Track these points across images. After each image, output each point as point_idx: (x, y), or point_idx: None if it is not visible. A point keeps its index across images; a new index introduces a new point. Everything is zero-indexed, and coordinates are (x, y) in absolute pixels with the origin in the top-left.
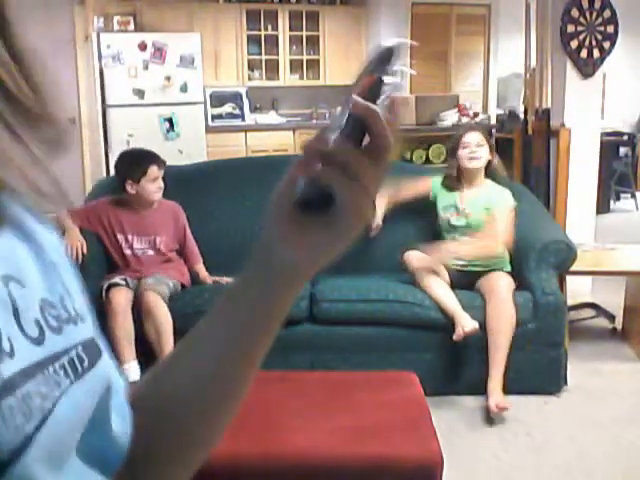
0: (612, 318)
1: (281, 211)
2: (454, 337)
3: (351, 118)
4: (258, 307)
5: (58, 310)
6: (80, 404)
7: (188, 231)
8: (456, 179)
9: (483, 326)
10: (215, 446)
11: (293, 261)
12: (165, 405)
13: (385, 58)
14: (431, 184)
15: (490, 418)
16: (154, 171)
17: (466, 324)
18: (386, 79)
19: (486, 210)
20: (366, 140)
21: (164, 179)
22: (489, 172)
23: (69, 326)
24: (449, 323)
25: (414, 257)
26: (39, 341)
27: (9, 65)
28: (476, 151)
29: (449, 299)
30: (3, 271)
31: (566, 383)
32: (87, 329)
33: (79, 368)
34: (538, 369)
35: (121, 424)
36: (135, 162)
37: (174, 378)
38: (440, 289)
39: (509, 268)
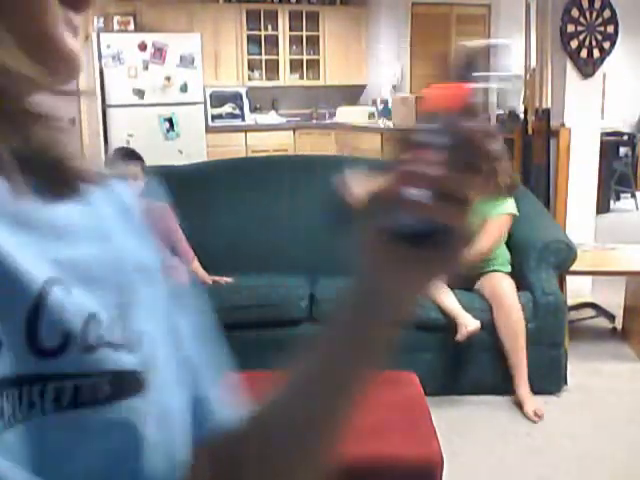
0: (612, 318)
1: (376, 243)
2: (458, 337)
3: (456, 142)
4: (359, 345)
5: (102, 329)
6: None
7: (180, 232)
8: None
9: (486, 326)
10: None
11: (389, 292)
12: (262, 449)
13: (471, 62)
14: None
15: (492, 419)
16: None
17: (469, 323)
18: (480, 85)
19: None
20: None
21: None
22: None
23: (104, 351)
24: (449, 323)
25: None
26: (49, 354)
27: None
28: None
29: (448, 299)
30: (53, 274)
31: (566, 383)
32: (129, 361)
33: (84, 397)
34: (538, 369)
35: (165, 462)
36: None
37: (271, 421)
38: (442, 292)
39: (509, 269)
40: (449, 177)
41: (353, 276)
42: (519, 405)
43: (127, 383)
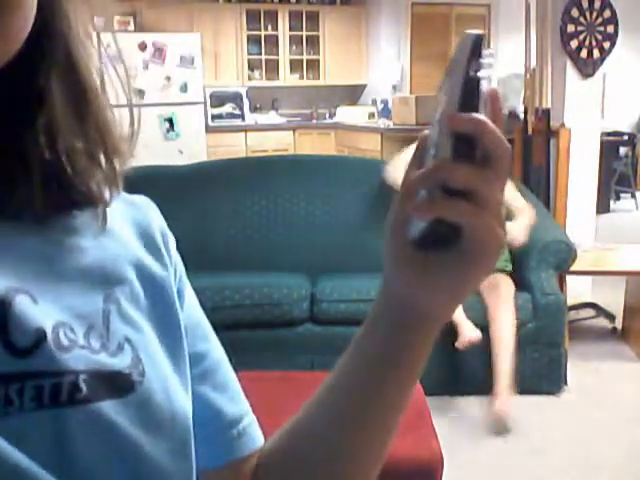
0: (612, 318)
1: (399, 247)
2: (457, 345)
3: (454, 135)
4: (384, 363)
5: (75, 335)
6: (26, 433)
7: None
8: None
9: (486, 326)
10: None
11: (422, 305)
12: (296, 468)
13: (476, 50)
14: None
15: (491, 420)
16: None
17: (469, 333)
18: (482, 74)
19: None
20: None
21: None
22: None
23: (80, 351)
24: (450, 324)
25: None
26: (23, 353)
27: (71, 114)
28: None
29: None
30: (25, 284)
31: (566, 383)
32: (112, 362)
33: (62, 395)
34: (538, 369)
35: (173, 460)
36: None
37: (305, 438)
38: None
39: (510, 268)
40: (459, 176)
41: (384, 291)
42: (518, 405)
43: (109, 384)
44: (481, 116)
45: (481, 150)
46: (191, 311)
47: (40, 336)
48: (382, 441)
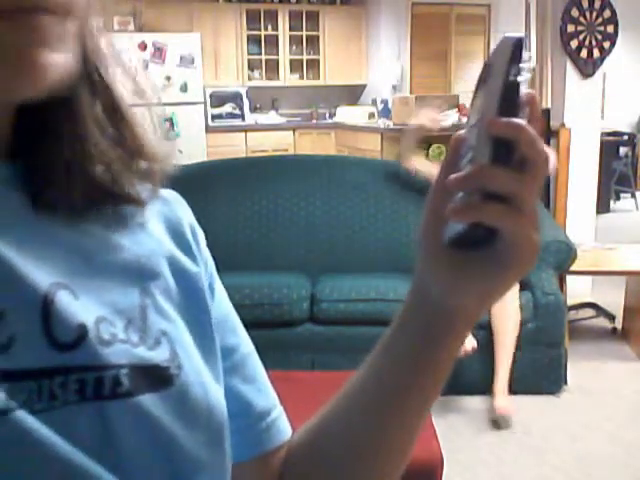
0: (612, 318)
1: (435, 247)
2: None
3: (493, 140)
4: (414, 363)
5: (116, 329)
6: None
7: None
8: None
9: (487, 326)
10: None
11: (453, 306)
12: (320, 463)
13: (517, 53)
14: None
15: (492, 419)
16: None
17: (467, 343)
18: (521, 79)
19: None
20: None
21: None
22: None
23: (121, 346)
24: None
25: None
26: (67, 347)
27: (107, 126)
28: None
29: None
30: (67, 280)
31: (566, 383)
32: (151, 356)
33: (105, 388)
34: (538, 369)
35: (210, 452)
36: None
37: (329, 435)
38: None
39: None
40: (492, 174)
41: (416, 291)
42: (518, 405)
43: (149, 378)
44: (521, 121)
45: (519, 155)
46: (221, 305)
47: (82, 331)
48: (406, 441)
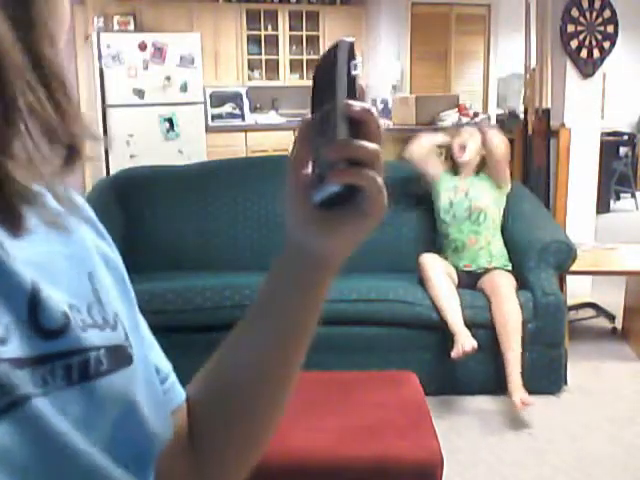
0: (612, 318)
1: (304, 210)
2: (452, 355)
3: (347, 119)
4: (294, 302)
5: (83, 315)
6: (68, 406)
7: None
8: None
9: (487, 325)
10: (267, 441)
11: (327, 254)
12: (219, 398)
13: (351, 54)
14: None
15: (492, 419)
16: None
17: (466, 343)
18: (357, 72)
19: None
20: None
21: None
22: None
23: (93, 330)
24: (448, 330)
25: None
26: (54, 335)
27: (37, 90)
28: (460, 151)
29: (453, 313)
30: (34, 272)
31: (566, 383)
32: (115, 337)
33: (91, 370)
34: (538, 369)
35: (159, 421)
36: None
37: (222, 375)
38: (446, 300)
39: (510, 267)
40: (365, 150)
41: (289, 244)
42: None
43: (118, 356)
44: (366, 104)
45: (365, 128)
46: None
47: (67, 318)
48: (290, 372)
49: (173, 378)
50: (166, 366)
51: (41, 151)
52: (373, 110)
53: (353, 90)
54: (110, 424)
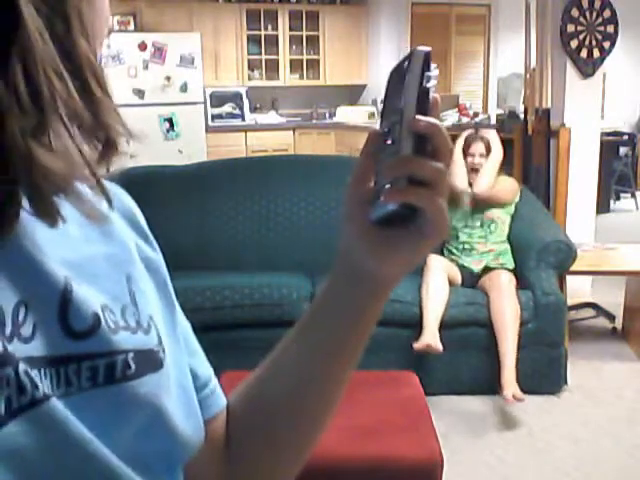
0: (612, 318)
1: (361, 226)
2: (415, 345)
3: (413, 134)
4: (346, 322)
5: (116, 317)
6: (92, 409)
7: None
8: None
9: (487, 323)
10: (305, 458)
11: (379, 275)
12: (260, 411)
13: (426, 64)
14: None
15: (492, 419)
16: None
17: (428, 340)
18: (431, 85)
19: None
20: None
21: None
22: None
23: (124, 333)
24: (450, 323)
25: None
26: (81, 336)
27: (68, 80)
28: (478, 162)
29: (431, 311)
30: (70, 272)
31: (566, 383)
32: (147, 340)
33: (117, 373)
34: (538, 369)
35: (190, 427)
36: None
37: (265, 388)
38: (430, 300)
39: (512, 265)
40: (425, 169)
41: (342, 262)
42: (518, 405)
43: (148, 361)
44: (436, 120)
45: (432, 146)
46: None
47: (97, 320)
48: (334, 390)
49: (214, 385)
50: (206, 372)
51: (76, 142)
52: (442, 127)
53: (424, 103)
54: (135, 428)
